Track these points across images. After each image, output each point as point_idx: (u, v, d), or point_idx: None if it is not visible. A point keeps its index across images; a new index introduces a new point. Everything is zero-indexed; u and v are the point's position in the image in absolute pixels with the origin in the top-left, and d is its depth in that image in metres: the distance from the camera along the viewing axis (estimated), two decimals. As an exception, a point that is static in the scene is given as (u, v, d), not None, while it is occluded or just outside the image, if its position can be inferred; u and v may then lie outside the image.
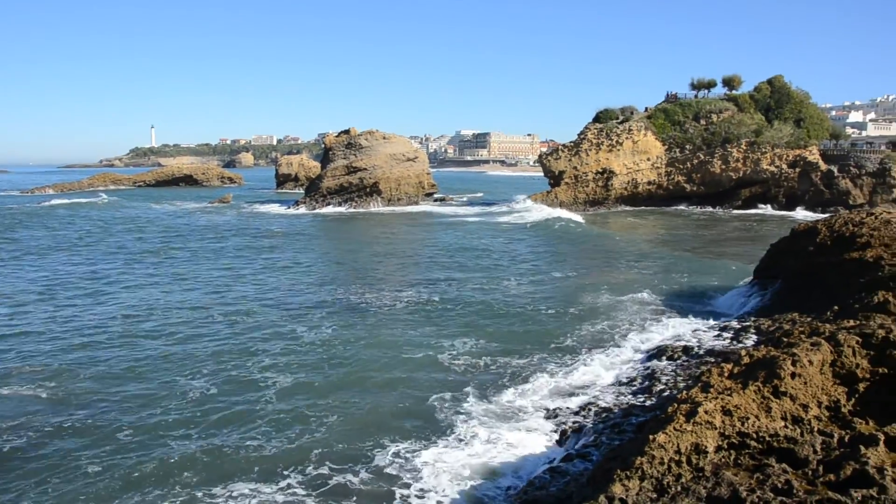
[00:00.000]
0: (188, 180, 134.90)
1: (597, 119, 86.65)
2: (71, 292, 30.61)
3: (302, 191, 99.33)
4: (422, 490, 12.69)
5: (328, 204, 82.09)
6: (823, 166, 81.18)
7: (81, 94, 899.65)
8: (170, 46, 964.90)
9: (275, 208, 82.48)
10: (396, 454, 14.11)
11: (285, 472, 13.36)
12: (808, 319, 18.25)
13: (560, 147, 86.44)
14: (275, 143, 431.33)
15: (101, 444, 14.74)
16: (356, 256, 43.26)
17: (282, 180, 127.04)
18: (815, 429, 9.96)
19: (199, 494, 12.59)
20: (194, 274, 35.94)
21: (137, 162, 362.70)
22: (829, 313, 17.39)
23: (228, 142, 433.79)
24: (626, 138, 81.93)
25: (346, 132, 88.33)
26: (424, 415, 16.33)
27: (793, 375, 10.57)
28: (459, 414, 16.30)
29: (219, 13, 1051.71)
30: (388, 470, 13.45)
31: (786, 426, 9.93)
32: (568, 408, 16.45)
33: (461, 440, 14.77)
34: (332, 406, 16.85)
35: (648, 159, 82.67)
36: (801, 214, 72.16)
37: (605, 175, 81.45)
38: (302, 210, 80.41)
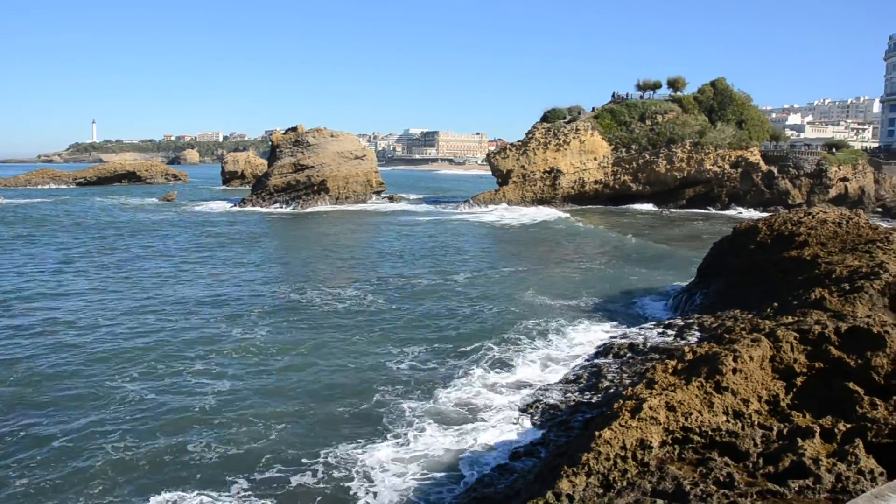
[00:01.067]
0: (131, 177, 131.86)
1: (544, 118, 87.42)
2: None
3: (249, 188, 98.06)
4: (371, 491, 12.63)
5: (275, 202, 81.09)
6: (764, 167, 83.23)
7: (17, 87, 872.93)
8: (112, 39, 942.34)
9: (220, 206, 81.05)
10: (345, 456, 13.99)
11: (231, 478, 13.12)
12: (749, 316, 18.65)
13: (508, 146, 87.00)
14: (221, 139, 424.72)
15: (31, 451, 14.22)
16: (301, 256, 42.53)
17: (228, 178, 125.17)
18: (756, 422, 10.20)
19: None
20: (132, 274, 34.86)
21: (78, 158, 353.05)
22: (769, 310, 17.81)
23: (173, 138, 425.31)
24: (574, 138, 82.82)
25: (294, 129, 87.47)
26: (371, 416, 16.20)
27: (734, 371, 10.81)
28: (406, 414, 16.24)
29: (162, 7, 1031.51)
30: (336, 472, 13.35)
31: (727, 420, 10.14)
32: (516, 406, 16.55)
33: (408, 440, 14.72)
34: (276, 410, 16.58)
35: (595, 159, 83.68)
36: (745, 214, 73.92)
37: (553, 174, 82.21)
38: (248, 208, 79.24)
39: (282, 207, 79.56)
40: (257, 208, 78.77)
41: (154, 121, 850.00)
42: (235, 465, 13.63)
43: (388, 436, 14.98)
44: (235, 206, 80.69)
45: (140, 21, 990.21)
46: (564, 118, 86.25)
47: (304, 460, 13.85)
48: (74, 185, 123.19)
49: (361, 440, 14.74)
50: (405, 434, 15.03)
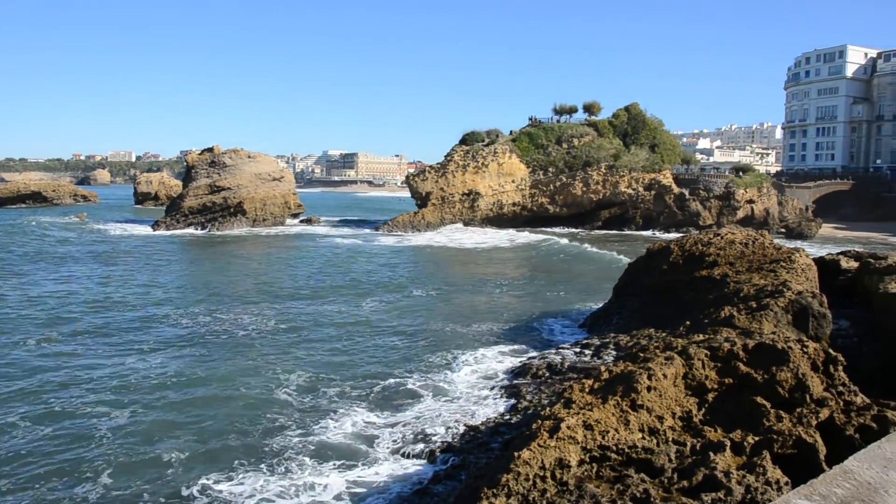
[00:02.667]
0: (37, 198, 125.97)
1: (463, 141, 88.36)
2: None
3: (163, 210, 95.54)
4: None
5: (190, 224, 79.12)
6: (676, 189, 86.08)
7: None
8: (13, 53, 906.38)
9: (132, 228, 78.45)
10: (230, 493, 13.52)
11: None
12: (663, 335, 19.14)
13: (427, 168, 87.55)
14: (134, 159, 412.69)
15: None
16: (211, 281, 41.02)
17: (141, 199, 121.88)
18: (670, 438, 10.44)
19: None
20: (28, 297, 33.30)
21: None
22: (681, 328, 18.30)
23: (83, 157, 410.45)
24: (492, 160, 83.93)
25: (210, 150, 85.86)
26: (260, 450, 15.49)
27: (649, 389, 11.04)
28: (296, 446, 15.67)
29: (69, 20, 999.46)
30: None
31: (643, 437, 10.35)
32: (435, 428, 16.49)
33: (319, 469, 14.38)
34: (164, 443, 15.81)
35: (513, 181, 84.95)
36: (659, 235, 76.11)
37: (472, 196, 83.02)
38: (161, 231, 77.00)
39: (196, 230, 77.63)
40: (170, 231, 76.56)
41: (62, 139, 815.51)
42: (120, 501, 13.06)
43: (279, 469, 14.43)
44: (148, 227, 78.36)
45: (46, 34, 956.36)
46: (483, 141, 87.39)
47: (193, 496, 13.34)
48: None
49: (272, 474, 14.23)
50: (315, 464, 14.70)
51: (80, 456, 15.10)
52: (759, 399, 11.06)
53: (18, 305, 31.47)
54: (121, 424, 16.95)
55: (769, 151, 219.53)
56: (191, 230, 77.22)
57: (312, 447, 15.50)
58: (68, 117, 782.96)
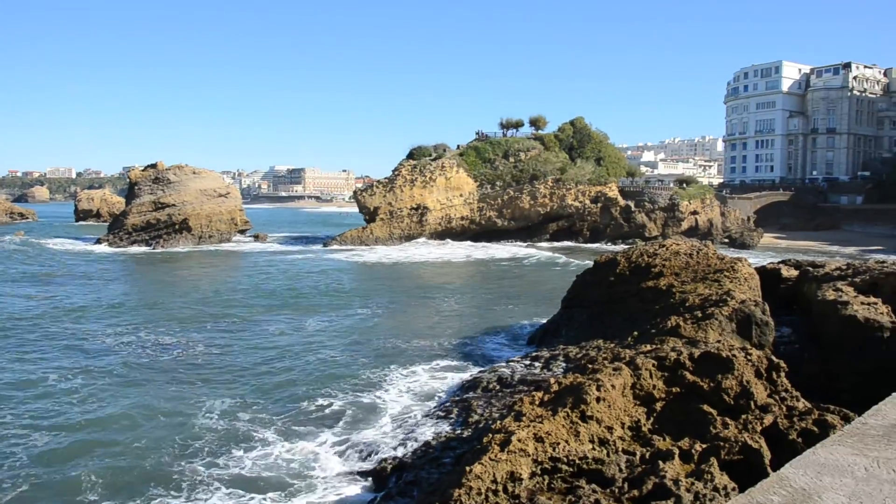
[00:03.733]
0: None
1: (410, 156, 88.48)
2: None
3: (105, 227, 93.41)
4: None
5: (133, 242, 77.51)
6: (622, 202, 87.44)
7: None
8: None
9: (71, 245, 76.40)
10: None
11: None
12: (612, 345, 19.34)
13: (375, 183, 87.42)
14: (74, 176, 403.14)
15: None
16: (146, 300, 39.74)
17: (82, 216, 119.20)
18: (620, 448, 10.52)
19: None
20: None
21: None
22: (629, 339, 18.54)
23: (20, 174, 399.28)
24: (440, 175, 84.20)
25: (154, 166, 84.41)
26: (202, 477, 15.07)
27: (598, 400, 11.13)
28: (255, 468, 15.36)
29: (4, 32, 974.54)
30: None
31: (594, 448, 10.41)
32: (386, 444, 16.37)
33: (256, 499, 14.13)
34: (80, 467, 15.32)
35: (461, 195, 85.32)
36: (606, 247, 77.15)
37: (420, 210, 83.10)
38: (104, 247, 75.34)
39: (141, 247, 76.09)
40: (113, 248, 74.87)
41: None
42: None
43: (254, 490, 14.24)
44: (89, 245, 76.52)
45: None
46: (430, 155, 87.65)
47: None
48: None
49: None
50: (270, 485, 14.50)
51: None
52: (705, 407, 11.23)
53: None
54: (36, 445, 16.47)
55: (711, 164, 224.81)
56: (135, 248, 75.60)
57: (247, 474, 15.01)
58: (4, 133, 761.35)
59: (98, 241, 78.03)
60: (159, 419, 18.56)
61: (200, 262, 63.25)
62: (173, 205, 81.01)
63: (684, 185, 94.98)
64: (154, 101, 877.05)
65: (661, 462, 9.81)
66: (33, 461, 15.56)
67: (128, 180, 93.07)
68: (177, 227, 80.00)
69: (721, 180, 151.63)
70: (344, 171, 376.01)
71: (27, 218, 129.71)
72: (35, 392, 20.81)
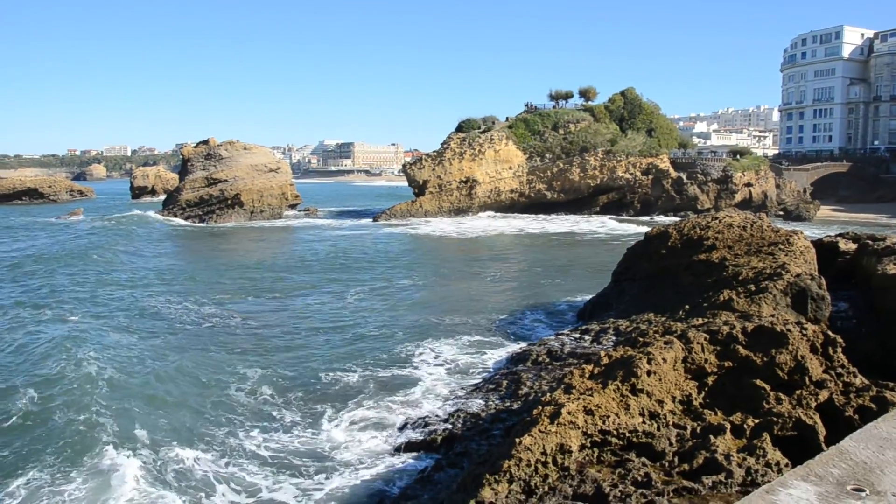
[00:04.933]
0: (33, 194, 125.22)
1: (459, 129, 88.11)
2: None
3: (160, 203, 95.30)
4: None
5: (188, 217, 79.25)
6: (673, 174, 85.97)
7: None
8: (7, 44, 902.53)
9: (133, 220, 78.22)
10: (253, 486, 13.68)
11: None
12: (663, 319, 19.17)
13: (424, 156, 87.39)
14: (129, 154, 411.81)
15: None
16: (197, 271, 41.01)
17: (137, 193, 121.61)
18: (670, 422, 10.47)
19: None
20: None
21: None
22: (681, 312, 18.34)
23: (78, 153, 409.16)
24: (489, 147, 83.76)
25: (206, 143, 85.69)
26: (277, 446, 15.72)
27: (648, 373, 11.06)
28: (316, 439, 15.72)
29: (62, 14, 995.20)
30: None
31: (644, 422, 10.38)
32: (437, 416, 16.54)
33: (318, 467, 14.43)
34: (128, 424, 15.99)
35: (510, 168, 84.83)
36: (657, 219, 76.12)
37: (469, 184, 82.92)
38: (159, 217, 77.73)
39: (194, 223, 77.88)
40: (166, 218, 77.42)
41: (57, 135, 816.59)
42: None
43: (285, 463, 14.59)
44: (149, 221, 78.45)
45: (38, 30, 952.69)
46: (479, 128, 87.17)
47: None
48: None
49: (273, 467, 14.37)
50: (323, 449, 14.78)
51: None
52: (758, 382, 11.08)
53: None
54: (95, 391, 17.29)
55: (766, 134, 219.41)
56: (189, 222, 77.56)
57: (308, 445, 15.40)
58: (63, 113, 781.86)
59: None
60: (199, 382, 19.32)
61: (249, 237, 64.36)
62: (225, 180, 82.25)
63: (738, 156, 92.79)
64: (205, 77, 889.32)
65: (712, 436, 9.75)
66: (83, 408, 16.36)
67: (181, 157, 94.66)
68: (229, 202, 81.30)
69: (776, 151, 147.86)
70: (393, 144, 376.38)
71: (86, 195, 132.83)
72: (96, 346, 22.05)
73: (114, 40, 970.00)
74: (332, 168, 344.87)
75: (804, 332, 11.84)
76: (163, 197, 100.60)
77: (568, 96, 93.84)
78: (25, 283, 36.10)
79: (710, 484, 8.89)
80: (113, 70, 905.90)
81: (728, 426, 10.07)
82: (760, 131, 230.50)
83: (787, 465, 9.11)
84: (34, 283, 35.75)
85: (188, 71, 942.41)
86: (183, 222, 77.15)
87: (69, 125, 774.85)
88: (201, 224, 76.75)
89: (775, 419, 10.16)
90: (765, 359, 11.38)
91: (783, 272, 17.51)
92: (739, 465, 9.06)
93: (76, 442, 14.86)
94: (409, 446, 14.93)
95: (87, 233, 63.79)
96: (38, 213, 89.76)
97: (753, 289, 16.97)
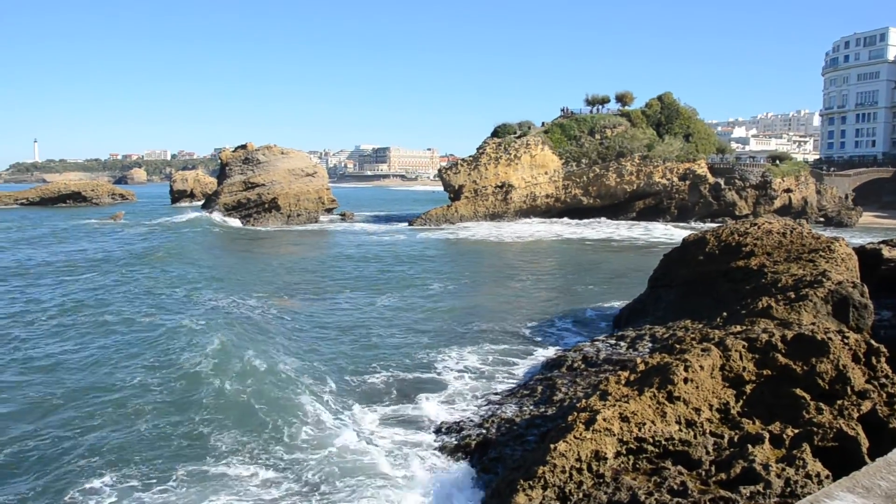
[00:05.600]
0: (76, 197, 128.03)
1: (495, 133, 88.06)
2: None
3: (199, 207, 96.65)
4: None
5: (224, 220, 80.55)
6: (711, 179, 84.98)
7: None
8: (54, 56, 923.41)
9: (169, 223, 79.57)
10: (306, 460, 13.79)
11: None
12: (700, 326, 18.96)
13: (459, 161, 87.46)
14: (169, 158, 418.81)
15: None
16: (235, 271, 41.97)
17: (177, 196, 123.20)
18: (707, 431, 10.35)
19: None
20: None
21: (19, 178, 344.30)
22: (718, 319, 18.12)
23: (119, 157, 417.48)
24: (524, 152, 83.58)
25: (244, 147, 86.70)
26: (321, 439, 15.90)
27: (685, 381, 10.96)
28: (342, 445, 15.45)
29: (103, 20, 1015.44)
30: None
31: (680, 429, 10.27)
32: (471, 420, 16.52)
33: (360, 452, 14.53)
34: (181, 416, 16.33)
35: (546, 173, 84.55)
36: (694, 225, 75.31)
37: (505, 189, 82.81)
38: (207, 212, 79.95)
39: (235, 220, 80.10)
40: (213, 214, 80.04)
41: (99, 139, 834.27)
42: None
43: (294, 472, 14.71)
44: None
45: (81, 38, 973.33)
46: (515, 133, 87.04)
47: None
48: (17, 206, 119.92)
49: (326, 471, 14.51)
50: (354, 448, 14.83)
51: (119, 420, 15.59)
52: (798, 391, 10.92)
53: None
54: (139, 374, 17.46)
55: (807, 139, 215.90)
56: (230, 219, 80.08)
57: (330, 450, 15.15)
58: (105, 118, 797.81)
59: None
60: (241, 376, 19.67)
61: (286, 240, 64.84)
62: (263, 184, 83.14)
63: (777, 161, 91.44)
64: (244, 82, 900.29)
65: (750, 446, 9.62)
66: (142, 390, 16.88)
67: (219, 161, 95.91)
68: (266, 206, 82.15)
69: (817, 156, 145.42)
70: (428, 149, 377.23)
71: (127, 199, 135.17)
72: (154, 333, 24.21)
73: (155, 46, 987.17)
74: (368, 172, 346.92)
75: (846, 340, 11.63)
76: (201, 201, 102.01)
77: (604, 101, 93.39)
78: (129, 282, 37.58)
79: (748, 494, 8.76)
80: (154, 75, 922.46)
81: (766, 435, 9.92)
82: (801, 136, 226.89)
83: (827, 477, 8.95)
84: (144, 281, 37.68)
85: (227, 76, 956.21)
86: (239, 224, 79.11)
87: (112, 130, 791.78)
88: (241, 224, 78.38)
89: (816, 429, 9.99)
90: (805, 368, 11.20)
91: (824, 279, 17.22)
92: (778, 476, 8.92)
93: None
94: (443, 450, 14.93)
95: (165, 233, 65.51)
96: (81, 216, 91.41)
97: (793, 296, 16.71)
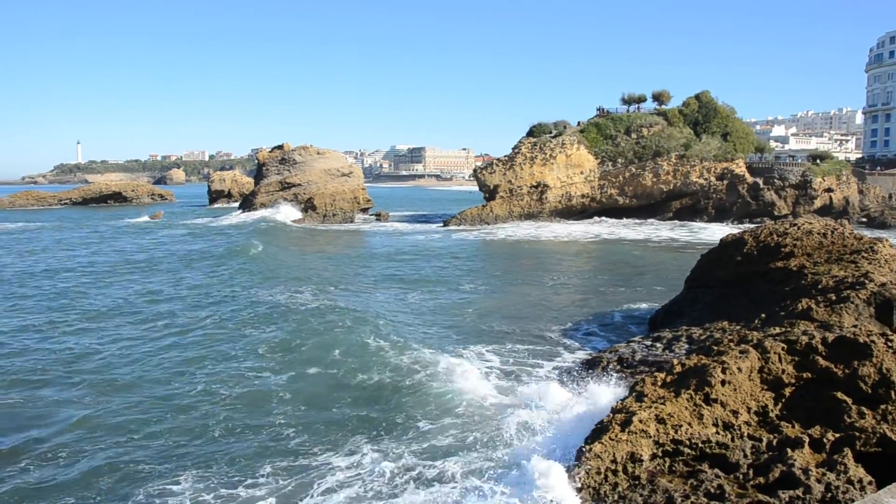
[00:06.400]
0: (117, 198, 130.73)
1: (530, 133, 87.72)
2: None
3: (236, 207, 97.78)
4: None
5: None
6: (749, 179, 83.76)
7: (1, 109, 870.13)
8: (96, 61, 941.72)
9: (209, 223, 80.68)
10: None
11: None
12: (737, 327, 18.70)
13: (495, 161, 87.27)
14: (207, 158, 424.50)
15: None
16: (272, 269, 42.73)
17: (214, 197, 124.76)
18: (745, 434, 10.21)
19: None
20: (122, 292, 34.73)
21: (63, 179, 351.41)
22: (756, 321, 17.87)
23: (159, 158, 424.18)
24: (560, 152, 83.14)
25: (280, 147, 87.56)
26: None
27: (723, 383, 10.83)
28: (386, 450, 15.86)
29: (145, 24, 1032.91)
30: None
31: (717, 432, 10.15)
32: (510, 420, 16.45)
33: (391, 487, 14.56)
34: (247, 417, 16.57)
35: (582, 173, 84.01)
36: (732, 226, 74.33)
37: (540, 188, 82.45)
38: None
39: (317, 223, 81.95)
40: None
41: (139, 141, 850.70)
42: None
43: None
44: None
45: (123, 42, 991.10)
46: (550, 133, 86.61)
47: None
48: (60, 206, 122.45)
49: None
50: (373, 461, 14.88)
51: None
52: (839, 394, 10.72)
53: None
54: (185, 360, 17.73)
55: (849, 138, 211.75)
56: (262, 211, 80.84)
57: (366, 461, 15.15)
58: (145, 120, 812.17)
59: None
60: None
61: (321, 239, 65.36)
62: (299, 184, 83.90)
63: (818, 160, 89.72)
64: (280, 83, 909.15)
65: (789, 450, 9.47)
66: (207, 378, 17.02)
67: (256, 161, 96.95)
68: (302, 206, 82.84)
69: (859, 155, 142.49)
70: (464, 149, 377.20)
71: (166, 199, 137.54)
72: (196, 326, 25.65)
73: (193, 48, 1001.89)
74: (404, 172, 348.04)
75: (890, 343, 11.39)
76: (239, 201, 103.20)
77: (641, 100, 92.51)
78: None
79: (787, 499, 8.63)
80: (193, 77, 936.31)
81: (806, 439, 9.76)
82: (842, 135, 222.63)
83: (870, 483, 8.77)
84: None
85: (264, 76, 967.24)
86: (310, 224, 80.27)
87: (152, 131, 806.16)
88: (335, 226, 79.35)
89: (858, 434, 9.81)
90: (846, 371, 10.99)
91: (866, 281, 16.89)
92: (818, 481, 8.77)
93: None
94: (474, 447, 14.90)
95: (239, 233, 67.08)
96: (120, 216, 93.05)
97: (834, 298, 16.42)
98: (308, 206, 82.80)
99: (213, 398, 18.48)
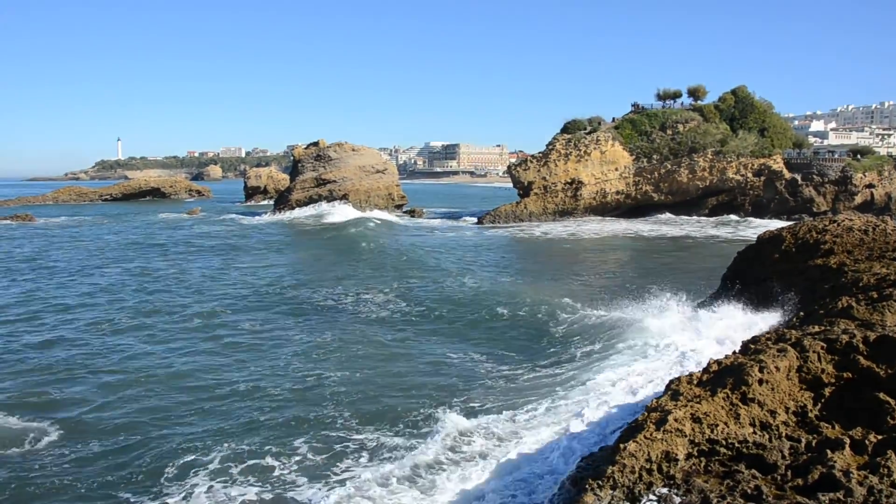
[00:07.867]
0: (155, 193, 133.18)
1: (565, 129, 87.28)
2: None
3: (271, 203, 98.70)
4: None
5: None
6: (787, 175, 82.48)
7: (46, 106, 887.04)
8: (136, 57, 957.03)
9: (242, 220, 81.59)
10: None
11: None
12: (775, 325, 18.43)
13: (529, 158, 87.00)
14: (243, 155, 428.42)
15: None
16: (303, 266, 43.87)
17: (251, 193, 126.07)
18: (783, 434, 10.04)
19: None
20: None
21: (104, 175, 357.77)
22: (794, 319, 17.58)
23: (196, 154, 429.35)
24: (594, 148, 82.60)
25: (315, 144, 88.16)
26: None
27: (760, 382, 10.65)
28: (412, 452, 15.91)
29: (184, 24, 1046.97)
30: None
31: (754, 432, 10.00)
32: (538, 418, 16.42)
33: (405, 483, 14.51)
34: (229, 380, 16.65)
35: (616, 169, 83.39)
36: (770, 222, 73.26)
37: (574, 185, 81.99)
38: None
39: (305, 211, 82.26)
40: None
41: (178, 137, 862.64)
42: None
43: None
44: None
45: (162, 40, 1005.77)
46: (585, 129, 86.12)
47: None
48: (101, 201, 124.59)
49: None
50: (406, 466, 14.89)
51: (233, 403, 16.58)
52: (882, 395, 10.48)
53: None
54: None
55: (891, 132, 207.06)
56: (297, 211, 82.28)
57: (399, 460, 14.72)
58: (184, 117, 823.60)
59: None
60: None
61: (357, 234, 65.58)
62: (334, 181, 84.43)
63: (858, 156, 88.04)
64: (315, 80, 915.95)
65: (829, 451, 9.28)
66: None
67: (292, 158, 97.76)
68: (337, 202, 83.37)
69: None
70: (498, 146, 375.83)
71: (203, 195, 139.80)
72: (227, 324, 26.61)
73: (231, 45, 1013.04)
74: (438, 169, 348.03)
75: (933, 343, 11.12)
76: (274, 197, 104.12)
77: (676, 96, 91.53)
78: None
79: (827, 501, 8.45)
80: (230, 73, 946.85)
81: (847, 441, 9.55)
82: (884, 129, 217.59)
83: (914, 486, 8.56)
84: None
85: (299, 74, 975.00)
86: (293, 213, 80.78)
87: (190, 128, 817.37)
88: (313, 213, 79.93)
89: (901, 435, 9.57)
90: (889, 371, 10.75)
91: (909, 279, 16.52)
92: (860, 484, 8.57)
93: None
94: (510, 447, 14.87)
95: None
96: (160, 210, 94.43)
97: (875, 296, 16.07)
98: (343, 202, 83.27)
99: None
